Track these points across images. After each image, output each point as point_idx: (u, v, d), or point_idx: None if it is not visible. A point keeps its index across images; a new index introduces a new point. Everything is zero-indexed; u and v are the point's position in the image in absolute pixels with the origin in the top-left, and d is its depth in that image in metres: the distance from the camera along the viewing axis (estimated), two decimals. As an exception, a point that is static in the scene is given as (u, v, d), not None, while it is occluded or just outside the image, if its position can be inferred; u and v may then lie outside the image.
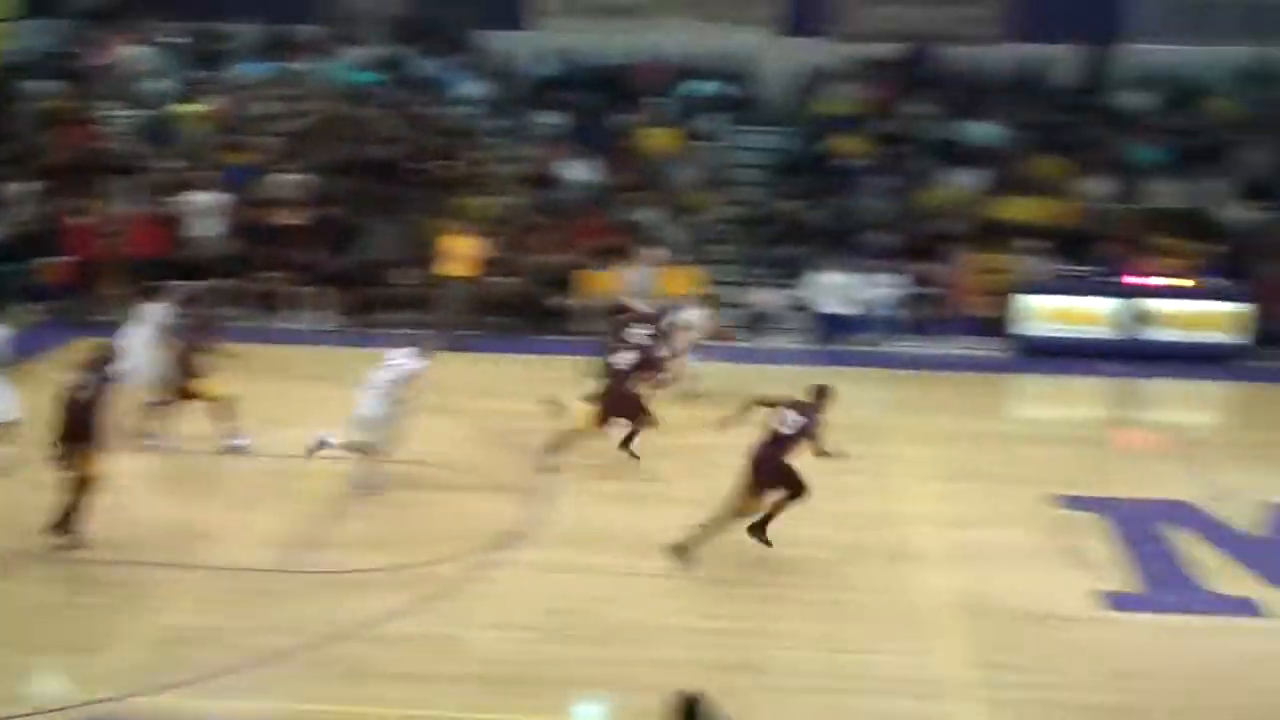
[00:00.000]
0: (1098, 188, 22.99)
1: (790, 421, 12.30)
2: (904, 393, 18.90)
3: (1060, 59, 25.55)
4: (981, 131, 24.36)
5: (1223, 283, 21.24)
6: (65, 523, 12.29)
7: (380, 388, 13.92)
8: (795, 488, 12.34)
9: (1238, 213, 22.42)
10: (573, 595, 11.82)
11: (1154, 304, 20.92)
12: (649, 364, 15.40)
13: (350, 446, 13.90)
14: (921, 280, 21.72)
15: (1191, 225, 22.49)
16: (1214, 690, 10.50)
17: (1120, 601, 12.06)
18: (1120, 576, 12.59)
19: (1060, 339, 20.85)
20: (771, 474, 12.29)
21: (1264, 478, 15.41)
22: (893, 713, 10.10)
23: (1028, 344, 20.97)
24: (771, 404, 12.54)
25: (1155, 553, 13.16)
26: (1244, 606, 12.01)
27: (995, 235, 22.33)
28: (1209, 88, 25.27)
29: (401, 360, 14.15)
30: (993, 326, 21.40)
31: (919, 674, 10.67)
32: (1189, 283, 21.13)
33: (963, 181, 23.47)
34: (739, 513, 12.43)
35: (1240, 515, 14.13)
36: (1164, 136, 23.93)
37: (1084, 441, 16.98)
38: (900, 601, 11.98)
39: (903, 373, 19.85)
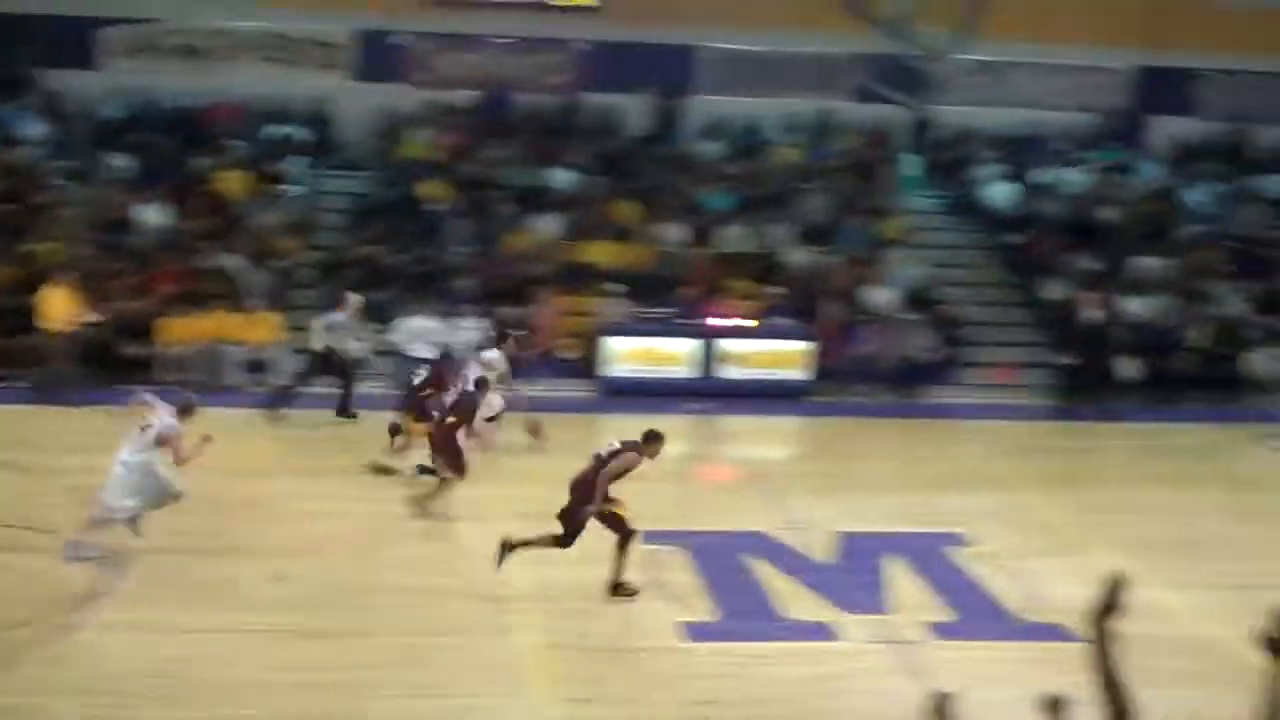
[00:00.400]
0: (672, 232, 23.92)
1: (609, 448, 13.10)
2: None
3: (633, 108, 26.52)
4: (561, 177, 24.95)
5: (788, 322, 22.46)
6: None
7: (136, 451, 13.25)
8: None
9: (799, 256, 23.77)
10: (159, 656, 11.32)
11: (728, 344, 21.89)
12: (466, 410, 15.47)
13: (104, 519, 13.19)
14: (508, 324, 21.97)
15: (759, 268, 23.73)
16: (785, 715, 10.96)
17: (700, 632, 12.50)
18: (701, 607, 13.07)
19: (642, 379, 21.58)
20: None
21: (832, 507, 16.33)
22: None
23: (612, 385, 21.57)
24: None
25: (734, 583, 13.73)
26: (817, 632, 12.65)
27: (578, 278, 22.90)
28: (773, 138, 26.77)
29: (156, 421, 13.37)
30: (580, 368, 21.91)
31: (511, 715, 10.74)
32: (757, 323, 22.24)
33: (545, 226, 23.96)
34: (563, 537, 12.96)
35: (812, 544, 14.92)
36: (732, 183, 25.15)
37: (667, 477, 17.49)
38: (492, 643, 12.03)
39: (350, 416, 19.68)
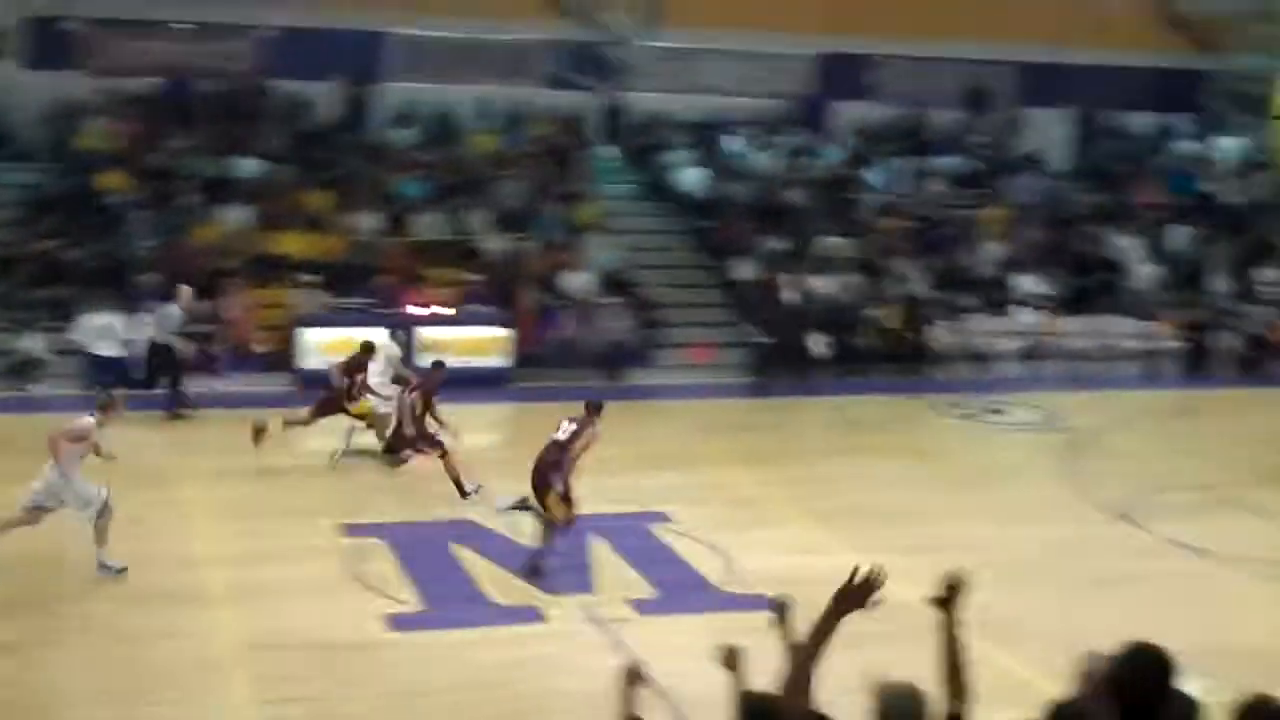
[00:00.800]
0: (366, 221, 23.53)
1: (565, 430, 13.47)
2: (191, 433, 18.47)
3: (322, 95, 25.97)
4: (248, 166, 24.25)
5: (487, 309, 22.38)
6: None
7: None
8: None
9: (496, 242, 23.71)
10: None
11: (427, 332, 21.66)
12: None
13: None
14: (199, 318, 21.26)
15: (456, 255, 23.60)
16: (490, 699, 10.89)
17: (405, 622, 12.34)
18: (406, 598, 12.90)
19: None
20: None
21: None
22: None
23: (310, 377, 21.04)
24: None
25: (439, 572, 13.61)
26: (523, 615, 12.64)
27: (270, 270, 22.30)
28: (466, 125, 26.62)
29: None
30: (275, 361, 21.35)
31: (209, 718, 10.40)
32: (455, 310, 22.09)
33: (233, 216, 23.26)
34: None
35: (518, 529, 14.89)
36: (426, 171, 24.90)
37: (369, 469, 17.28)
38: (189, 646, 11.61)
39: (187, 412, 19.38)
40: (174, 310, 19.74)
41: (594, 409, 13.94)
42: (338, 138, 25.52)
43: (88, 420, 13.10)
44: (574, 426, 13.65)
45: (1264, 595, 13.95)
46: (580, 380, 22.15)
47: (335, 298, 22.05)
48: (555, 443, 13.56)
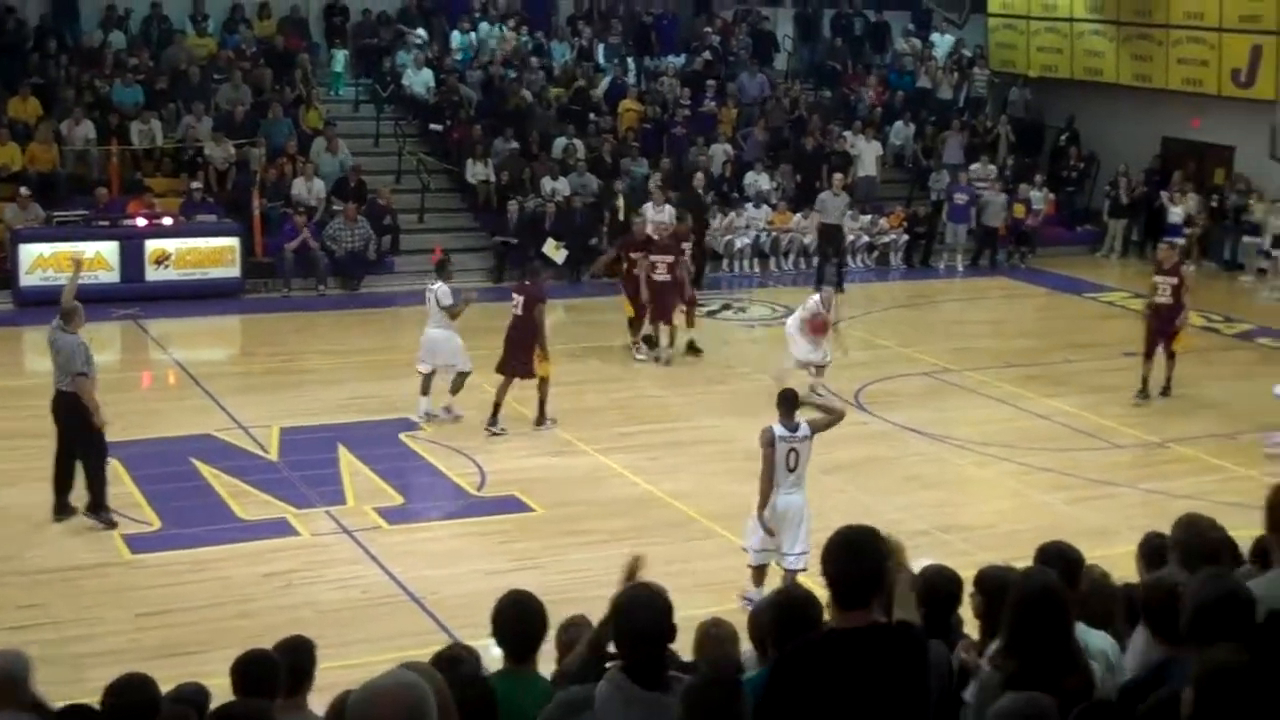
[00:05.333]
0: (78, 129, 22.35)
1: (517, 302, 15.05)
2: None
3: (25, -3, 24.60)
4: (-53, 74, 22.80)
5: (214, 218, 21.65)
6: None
7: None
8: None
9: (220, 150, 22.85)
10: None
11: (152, 244, 20.83)
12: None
13: None
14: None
15: (177, 163, 22.72)
16: (243, 613, 10.71)
17: (148, 543, 12.01)
18: (145, 517, 12.52)
19: (61, 286, 20.00)
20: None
21: (277, 404, 16.01)
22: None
23: (29, 295, 20.05)
24: None
25: (179, 490, 13.23)
26: (270, 529, 12.40)
27: (-23, 183, 21.10)
28: (181, 27, 25.54)
29: None
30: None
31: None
32: (181, 220, 21.30)
33: (-68, 128, 21.86)
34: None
35: (259, 442, 14.59)
36: (140, 75, 23.79)
37: (103, 387, 16.61)
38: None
39: None
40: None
41: (531, 272, 15.72)
42: (42, 42, 24.14)
43: None
44: (521, 296, 15.14)
45: (989, 475, 14.67)
46: (314, 289, 21.73)
47: (51, 211, 20.96)
48: (515, 317, 15.11)
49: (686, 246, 19.53)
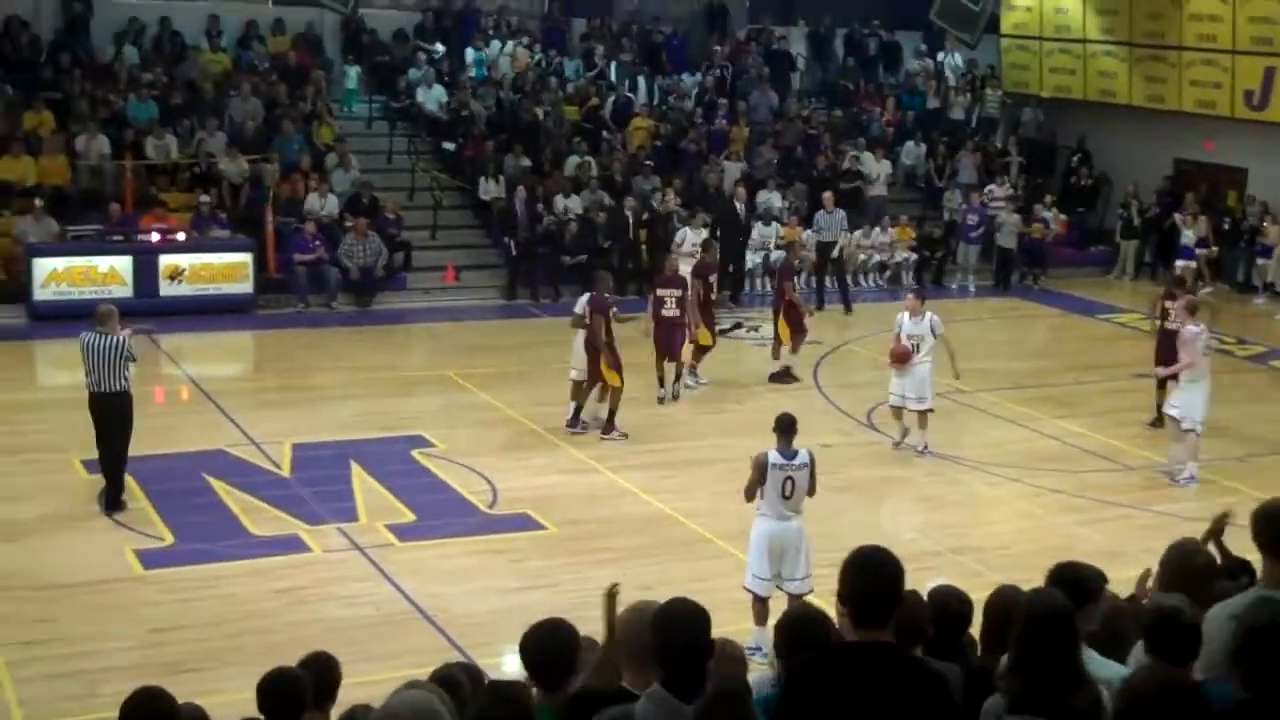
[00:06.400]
0: (92, 144, 22.41)
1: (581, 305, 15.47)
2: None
3: (40, 10, 24.66)
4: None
5: (227, 234, 21.70)
6: None
7: None
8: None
9: (233, 165, 22.91)
10: None
11: (166, 259, 20.87)
12: None
13: None
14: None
15: (191, 178, 22.79)
16: (253, 630, 10.69)
17: (160, 558, 12.00)
18: (158, 533, 12.53)
19: (76, 301, 20.01)
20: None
21: (289, 420, 16.03)
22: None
23: (43, 309, 20.09)
24: None
25: (192, 505, 13.23)
26: (282, 545, 12.39)
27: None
28: (195, 43, 25.61)
29: None
30: (4, 293, 20.37)
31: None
32: (194, 235, 21.35)
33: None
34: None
35: (272, 458, 14.61)
36: (154, 91, 23.86)
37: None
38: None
39: None
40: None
41: (594, 281, 15.96)
42: (56, 55, 24.21)
43: None
44: (588, 305, 15.38)
45: (1001, 496, 14.64)
46: (327, 305, 21.76)
47: (66, 225, 21.03)
48: (585, 325, 15.36)
49: (714, 279, 19.19)
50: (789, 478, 10.33)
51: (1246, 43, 24.99)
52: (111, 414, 13.01)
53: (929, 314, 15.63)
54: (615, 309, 15.90)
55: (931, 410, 15.49)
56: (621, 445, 15.58)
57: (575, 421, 15.81)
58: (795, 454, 10.39)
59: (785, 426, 10.49)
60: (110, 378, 12.87)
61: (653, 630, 4.83)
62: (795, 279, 18.94)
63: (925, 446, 15.38)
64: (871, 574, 4.60)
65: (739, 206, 23.90)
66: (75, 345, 13.45)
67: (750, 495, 10.51)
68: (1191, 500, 14.17)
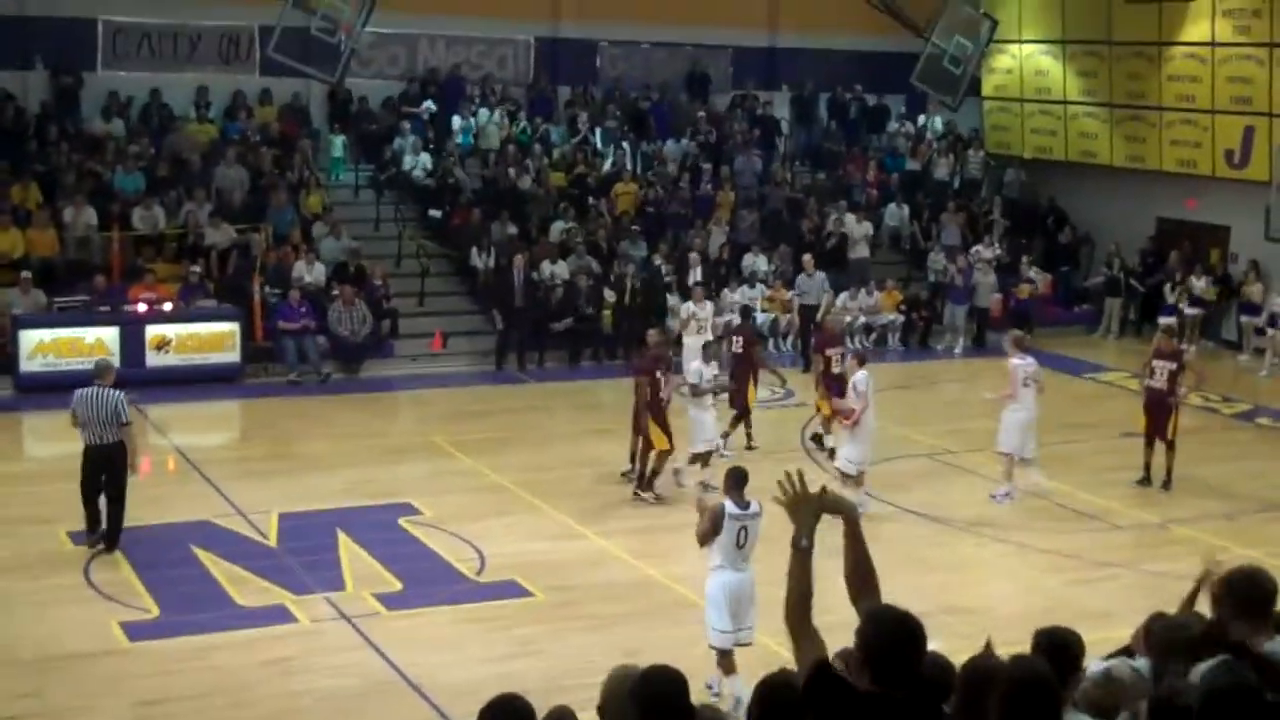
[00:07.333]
0: (79, 215, 22.46)
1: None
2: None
3: (28, 84, 24.80)
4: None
5: (214, 304, 21.73)
6: None
7: None
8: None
9: (220, 234, 22.97)
10: None
11: (152, 330, 20.88)
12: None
13: None
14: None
15: (178, 249, 22.84)
16: (242, 702, 10.64)
17: (146, 630, 11.93)
18: (146, 605, 12.47)
19: (63, 372, 19.97)
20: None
21: (275, 489, 15.99)
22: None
23: (28, 380, 20.08)
24: None
25: (178, 576, 13.18)
26: (269, 616, 12.34)
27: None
28: (182, 114, 25.73)
29: None
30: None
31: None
32: (181, 306, 21.37)
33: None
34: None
35: (258, 528, 14.55)
36: (141, 162, 23.95)
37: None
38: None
39: None
40: None
41: (641, 343, 16.58)
42: (44, 128, 24.32)
43: None
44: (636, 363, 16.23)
45: (990, 557, 14.63)
46: (314, 374, 21.74)
47: (52, 296, 21.04)
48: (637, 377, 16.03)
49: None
50: (744, 527, 10.68)
51: (1225, 102, 25.24)
52: (108, 464, 13.44)
53: (860, 372, 15.81)
54: (660, 371, 16.17)
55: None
56: (608, 510, 15.56)
57: (647, 485, 16.06)
58: (749, 504, 10.74)
59: (738, 480, 10.90)
60: (107, 430, 13.32)
61: (631, 699, 4.82)
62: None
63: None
64: (904, 639, 4.77)
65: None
66: (63, 417, 13.51)
67: (704, 541, 10.79)
68: (1181, 560, 14.15)
